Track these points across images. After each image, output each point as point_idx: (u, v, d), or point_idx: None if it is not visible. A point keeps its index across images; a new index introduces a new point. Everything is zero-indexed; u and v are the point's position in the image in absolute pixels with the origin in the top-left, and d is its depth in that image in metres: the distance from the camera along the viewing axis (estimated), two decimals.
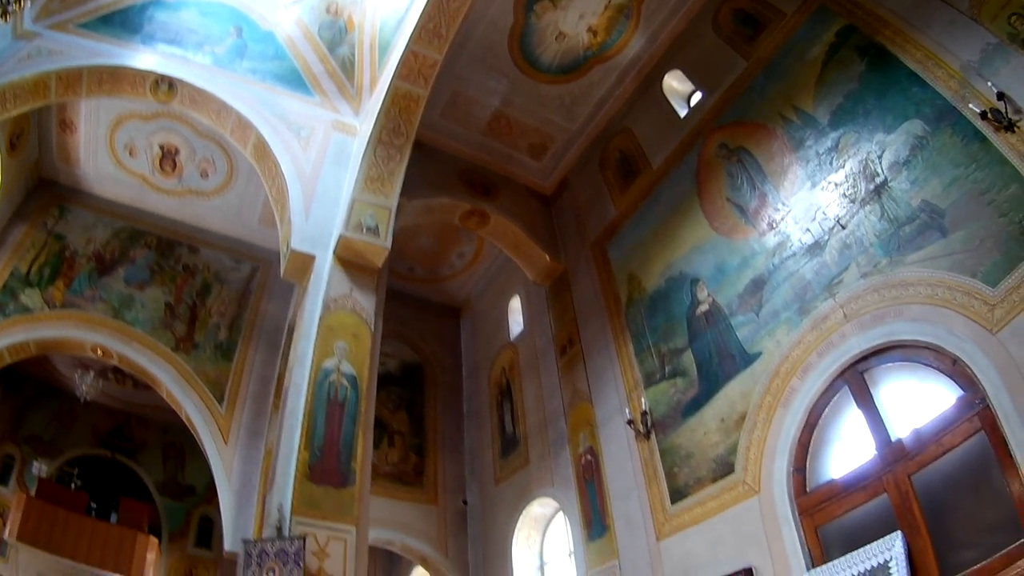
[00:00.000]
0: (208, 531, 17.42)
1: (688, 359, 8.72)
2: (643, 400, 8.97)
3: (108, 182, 13.80)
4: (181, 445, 17.62)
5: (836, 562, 6.70)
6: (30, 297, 12.99)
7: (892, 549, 6.23)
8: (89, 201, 13.94)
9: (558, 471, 10.77)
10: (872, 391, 6.93)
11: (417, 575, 15.95)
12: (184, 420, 13.32)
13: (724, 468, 8.02)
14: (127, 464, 17.78)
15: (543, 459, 11.26)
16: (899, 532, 6.28)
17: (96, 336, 13.04)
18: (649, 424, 8.86)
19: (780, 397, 7.52)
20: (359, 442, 8.00)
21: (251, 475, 12.49)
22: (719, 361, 8.31)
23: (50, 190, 13.72)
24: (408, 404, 13.94)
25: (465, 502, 13.40)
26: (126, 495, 16.69)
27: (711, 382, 8.38)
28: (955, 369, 6.20)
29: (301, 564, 6.87)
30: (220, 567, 16.82)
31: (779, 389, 7.55)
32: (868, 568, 6.33)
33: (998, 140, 6.02)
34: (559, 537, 11.53)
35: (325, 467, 7.74)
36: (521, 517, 11.69)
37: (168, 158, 13.58)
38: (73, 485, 16.68)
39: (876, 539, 6.40)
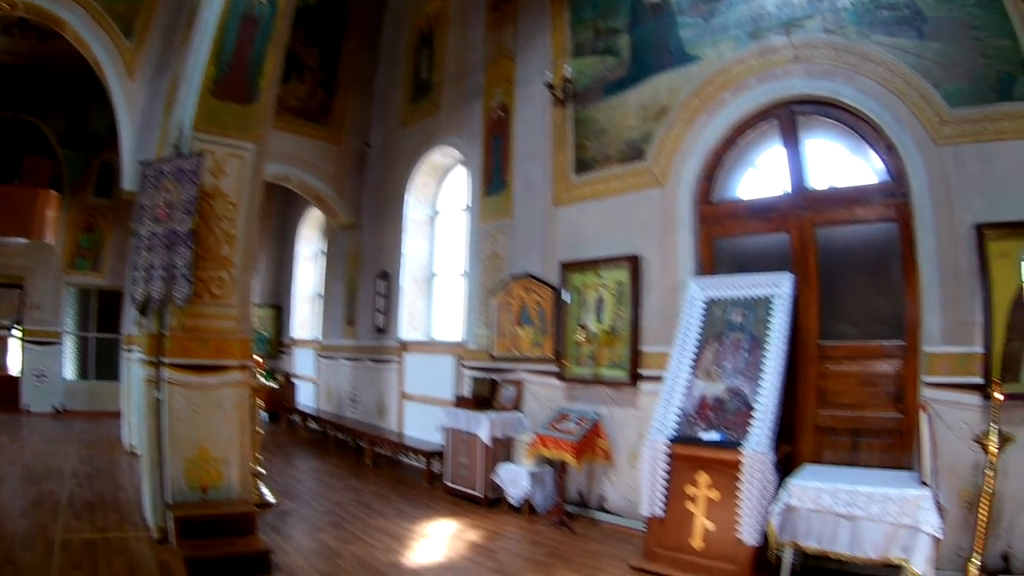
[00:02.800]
0: (109, 179, 16.90)
1: (624, 41, 8.34)
2: (568, 68, 8.67)
3: None
4: (87, 93, 16.54)
5: (723, 278, 6.95)
6: None
7: (780, 287, 6.47)
8: None
9: (466, 122, 10.61)
10: (800, 135, 6.87)
11: (311, 216, 16.38)
12: (91, 62, 12.58)
13: (634, 153, 8.03)
14: (32, 122, 16.80)
15: (453, 108, 11.03)
16: (791, 274, 6.48)
17: None
18: (569, 92, 8.65)
19: (708, 104, 7.39)
20: (269, 59, 7.51)
21: (154, 112, 11.77)
22: (655, 52, 7.96)
23: None
24: (322, 39, 13.16)
25: (368, 144, 13.30)
26: (32, 154, 15.95)
27: (641, 69, 8.09)
28: (889, 155, 6.22)
29: (197, 182, 6.61)
30: (119, 212, 16.65)
31: (709, 97, 7.38)
32: (752, 296, 6.58)
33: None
34: (455, 190, 11.65)
35: (231, 82, 7.24)
36: (421, 163, 11.76)
37: None
38: None
39: (766, 272, 6.61)
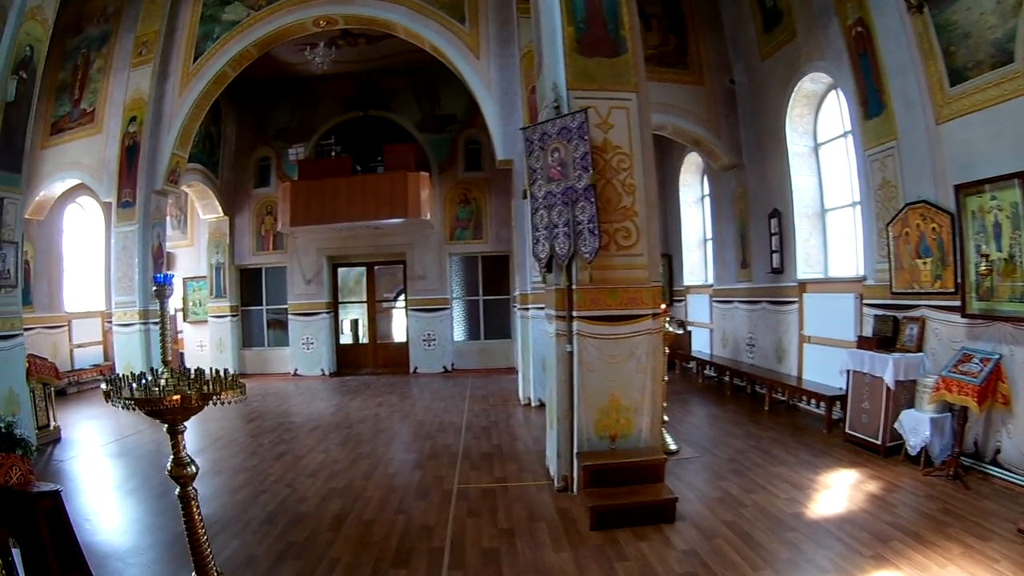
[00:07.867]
0: (476, 153, 18.34)
1: None
2: None
3: None
4: (431, 80, 18.16)
5: None
6: (234, 11, 13.58)
7: None
8: None
9: (828, 44, 9.85)
10: None
11: (689, 161, 16.24)
12: (430, 51, 13.58)
13: (1003, 55, 6.77)
14: (382, 116, 18.63)
15: (810, 31, 10.32)
16: None
17: (315, 10, 13.32)
18: None
19: None
20: (623, 9, 7.47)
21: (510, 82, 12.75)
22: None
23: None
24: None
25: (733, 81, 12.86)
26: (390, 144, 17.46)
27: None
28: None
29: (586, 137, 6.79)
30: (492, 182, 17.98)
31: None
32: None
33: None
34: (832, 117, 10.92)
35: (593, 38, 7.31)
36: (793, 94, 11.17)
37: None
38: (333, 153, 17.82)
39: None
